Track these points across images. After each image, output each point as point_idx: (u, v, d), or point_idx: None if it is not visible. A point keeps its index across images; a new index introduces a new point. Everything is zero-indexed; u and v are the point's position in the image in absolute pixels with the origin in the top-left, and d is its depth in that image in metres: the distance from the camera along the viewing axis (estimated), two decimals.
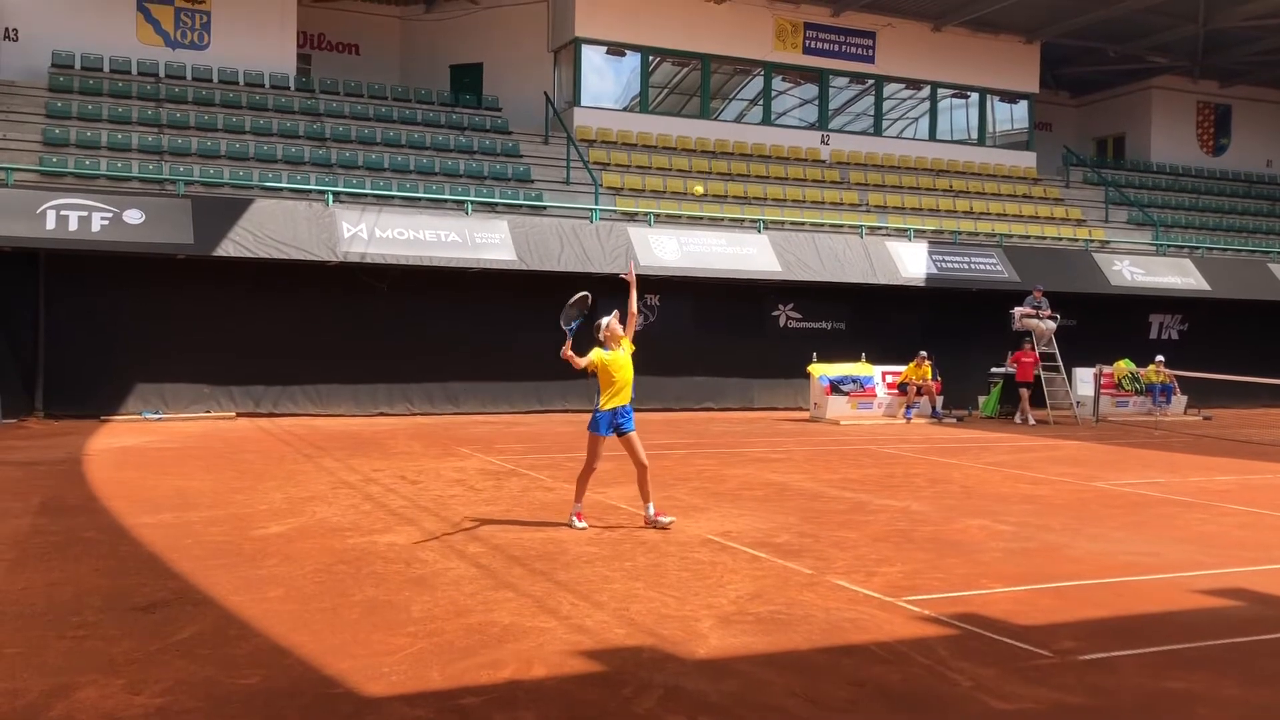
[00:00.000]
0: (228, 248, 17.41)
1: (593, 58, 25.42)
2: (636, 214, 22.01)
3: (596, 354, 9.36)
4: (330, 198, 18.95)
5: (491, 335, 19.89)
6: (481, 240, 19.24)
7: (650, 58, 25.98)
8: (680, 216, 22.40)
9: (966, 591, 6.96)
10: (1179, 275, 25.13)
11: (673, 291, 21.16)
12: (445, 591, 6.73)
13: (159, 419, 17.50)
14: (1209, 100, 32.88)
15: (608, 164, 24.07)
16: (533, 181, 22.78)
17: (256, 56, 23.24)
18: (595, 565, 7.53)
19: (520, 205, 21.22)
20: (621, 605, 6.48)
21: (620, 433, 9.08)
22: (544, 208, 21.47)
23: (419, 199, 20.59)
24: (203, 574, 7.08)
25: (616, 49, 25.56)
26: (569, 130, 23.98)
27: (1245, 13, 26.70)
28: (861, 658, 5.58)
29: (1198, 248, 27.27)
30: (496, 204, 21.00)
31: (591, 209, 21.22)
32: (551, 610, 6.35)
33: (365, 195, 19.98)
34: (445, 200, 20.73)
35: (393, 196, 20.33)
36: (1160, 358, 22.89)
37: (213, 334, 18.10)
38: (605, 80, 25.88)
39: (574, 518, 8.96)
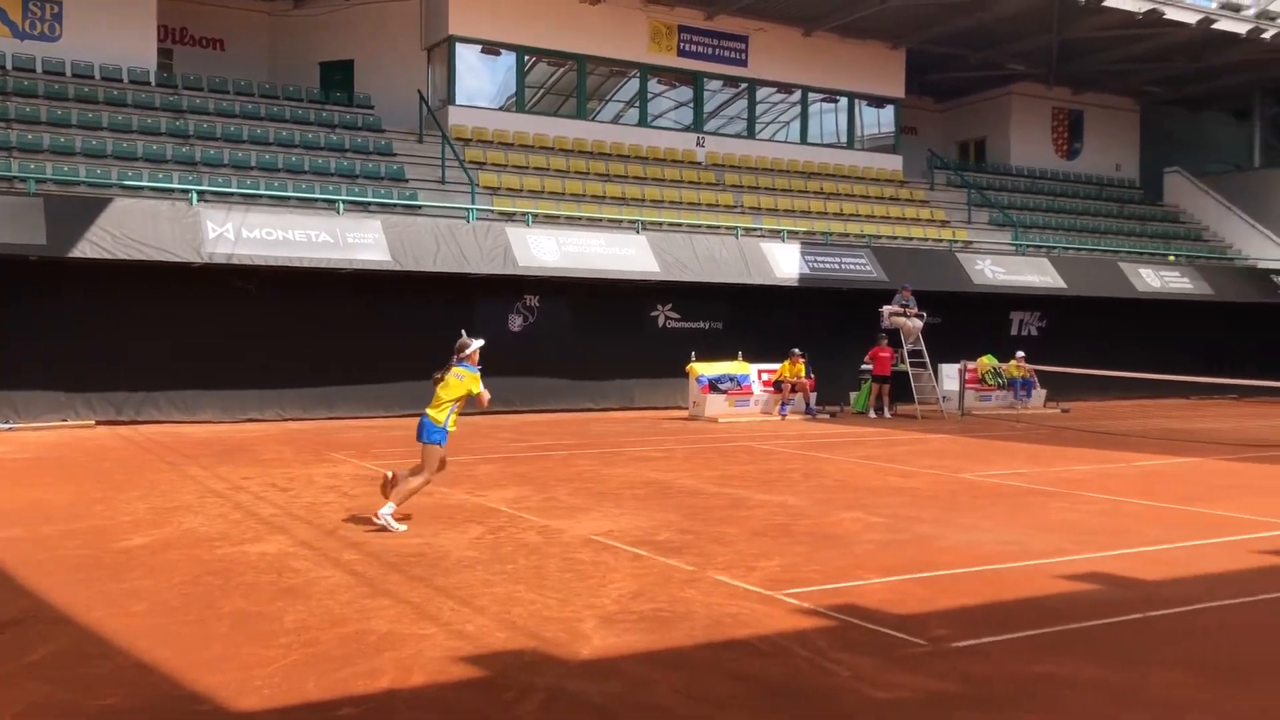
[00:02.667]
0: (84, 249, 16.62)
1: (467, 56, 25.12)
2: (514, 214, 21.85)
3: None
4: (194, 197, 18.28)
5: (366, 337, 19.48)
6: (354, 240, 18.82)
7: (526, 57, 25.80)
8: (559, 217, 22.33)
9: (844, 583, 7.10)
10: (1037, 274, 26.21)
11: (552, 292, 21.08)
12: (320, 601, 6.54)
13: (9, 429, 16.57)
14: (1063, 106, 34.36)
15: (484, 163, 23.83)
16: (407, 181, 22.39)
17: (113, 50, 22.23)
18: (475, 569, 7.42)
19: (394, 205, 20.84)
20: (503, 609, 6.40)
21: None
22: (419, 207, 21.14)
23: (288, 198, 20.02)
24: (59, 590, 6.72)
25: (491, 48, 25.30)
26: (444, 129, 23.65)
27: (1094, 24, 27.98)
28: (743, 652, 5.62)
29: (1054, 248, 28.48)
30: (369, 203, 20.58)
31: (468, 209, 20.99)
32: (431, 616, 6.23)
33: (231, 194, 19.33)
34: (316, 199, 20.21)
35: (260, 196, 19.71)
36: (1021, 353, 23.84)
37: (69, 339, 17.24)
38: (480, 79, 25.61)
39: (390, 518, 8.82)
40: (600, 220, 22.69)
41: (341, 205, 19.58)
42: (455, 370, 9.22)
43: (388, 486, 9.09)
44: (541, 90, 26.77)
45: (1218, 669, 5.45)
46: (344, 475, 12.10)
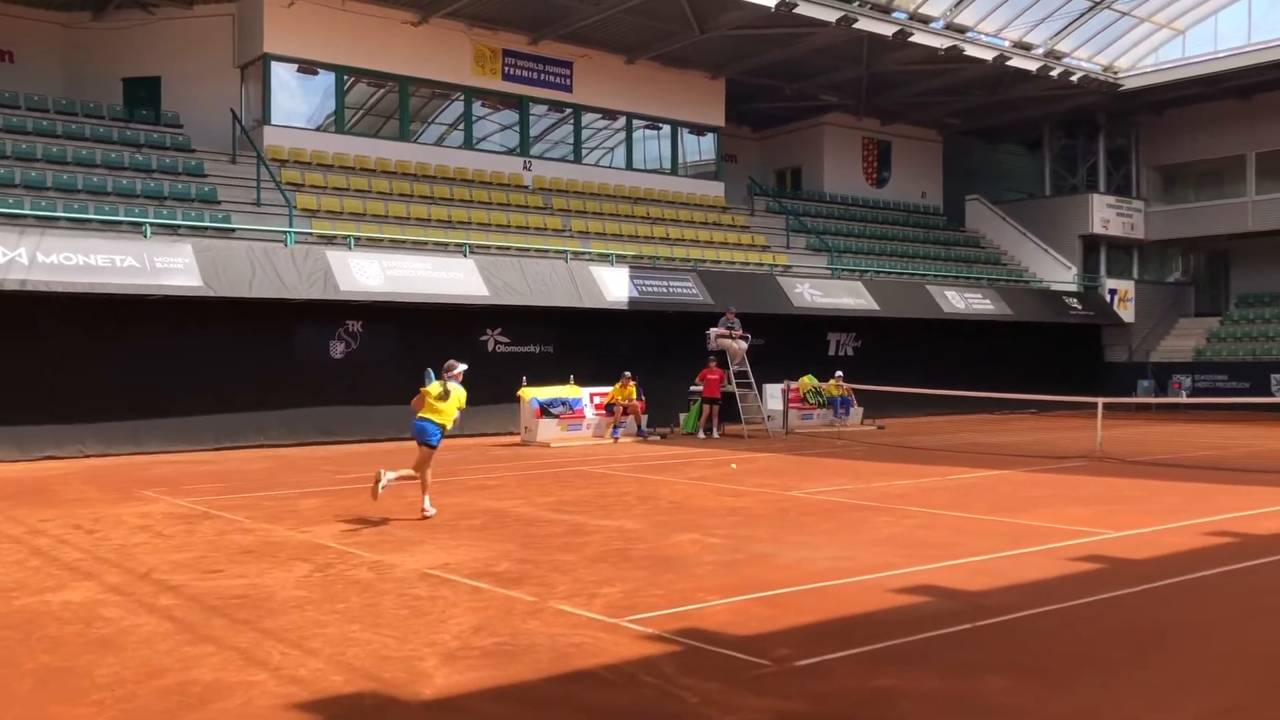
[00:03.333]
0: None
1: (283, 75, 24.29)
2: (335, 237, 21.21)
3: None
4: None
5: (177, 367, 18.50)
6: (162, 265, 17.87)
7: (345, 77, 25.16)
8: (382, 240, 21.80)
9: (685, 606, 7.11)
10: (852, 297, 27.29)
11: (376, 317, 20.55)
12: (135, 651, 6.10)
13: None
14: (872, 137, 35.97)
15: (302, 185, 23.05)
16: (219, 203, 21.42)
17: None
18: (305, 610, 7.08)
19: (206, 228, 19.90)
20: (337, 650, 6.12)
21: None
22: (233, 230, 20.26)
23: (89, 220, 18.81)
24: None
25: (309, 67, 24.55)
26: (259, 149, 22.77)
27: (900, 58, 29.44)
28: (590, 683, 5.54)
29: (867, 271, 29.71)
30: (179, 226, 19.58)
31: (286, 231, 20.25)
32: (260, 662, 5.89)
33: (25, 216, 18.04)
34: (120, 222, 19.07)
35: (58, 218, 18.47)
36: (839, 373, 24.71)
37: None
38: (297, 99, 24.80)
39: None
40: (426, 243, 22.28)
41: (149, 228, 18.56)
42: (456, 386, 11.22)
43: (377, 488, 10.76)
44: (361, 111, 26.14)
45: (1043, 672, 5.71)
46: (156, 514, 11.38)
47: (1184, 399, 30.96)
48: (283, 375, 19.68)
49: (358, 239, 21.05)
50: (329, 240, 21.07)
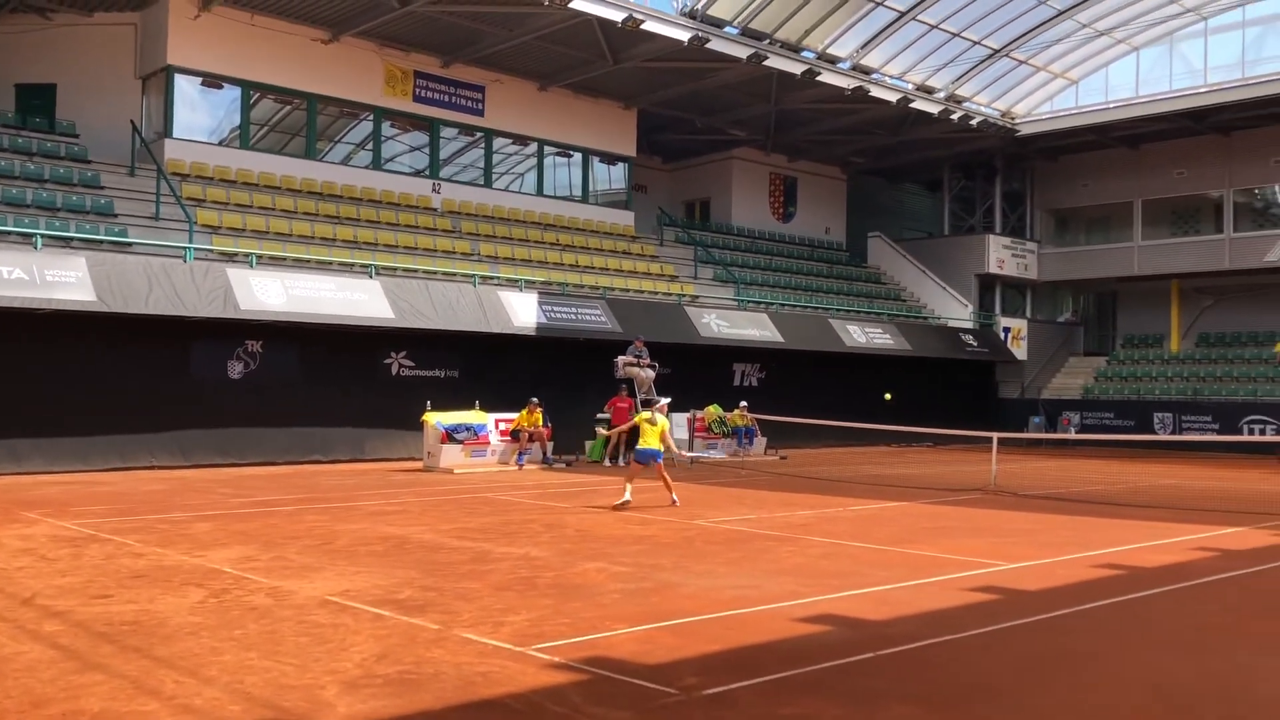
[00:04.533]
0: None
1: (186, 88, 23.74)
2: (236, 254, 20.75)
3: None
4: None
5: (66, 384, 17.84)
6: (54, 278, 17.24)
7: (251, 92, 24.69)
8: (285, 259, 21.39)
9: (592, 635, 7.08)
10: (757, 328, 27.67)
11: (277, 338, 20.14)
12: (18, 680, 5.82)
13: None
14: (779, 172, 36.66)
15: (203, 200, 22.51)
16: (116, 216, 20.79)
17: None
18: (200, 636, 6.86)
19: (101, 241, 19.29)
20: (235, 678, 5.93)
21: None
22: (129, 245, 19.67)
23: None
24: None
25: (213, 81, 24.04)
26: (159, 163, 22.19)
27: (807, 96, 30.11)
28: (496, 712, 5.48)
29: (772, 304, 30.16)
30: (72, 238, 18.94)
31: (185, 247, 19.73)
32: (152, 691, 5.68)
33: None
34: (9, 232, 18.37)
35: None
36: (744, 403, 24.99)
37: None
38: (200, 112, 24.25)
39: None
40: (331, 264, 21.95)
41: (39, 239, 17.91)
42: (660, 420, 14.76)
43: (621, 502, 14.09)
44: (267, 127, 25.68)
45: (942, 700, 5.82)
46: (39, 537, 10.92)
47: (1073, 435, 32.04)
48: (178, 395, 19.13)
49: (260, 257, 20.62)
50: (230, 258, 20.60)
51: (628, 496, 14.26)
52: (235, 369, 19.92)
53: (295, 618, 7.45)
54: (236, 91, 24.42)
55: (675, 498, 14.50)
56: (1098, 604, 8.35)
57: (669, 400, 15.57)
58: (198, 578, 8.83)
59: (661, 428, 14.71)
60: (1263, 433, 29.49)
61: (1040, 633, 7.43)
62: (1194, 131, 33.30)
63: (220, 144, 24.32)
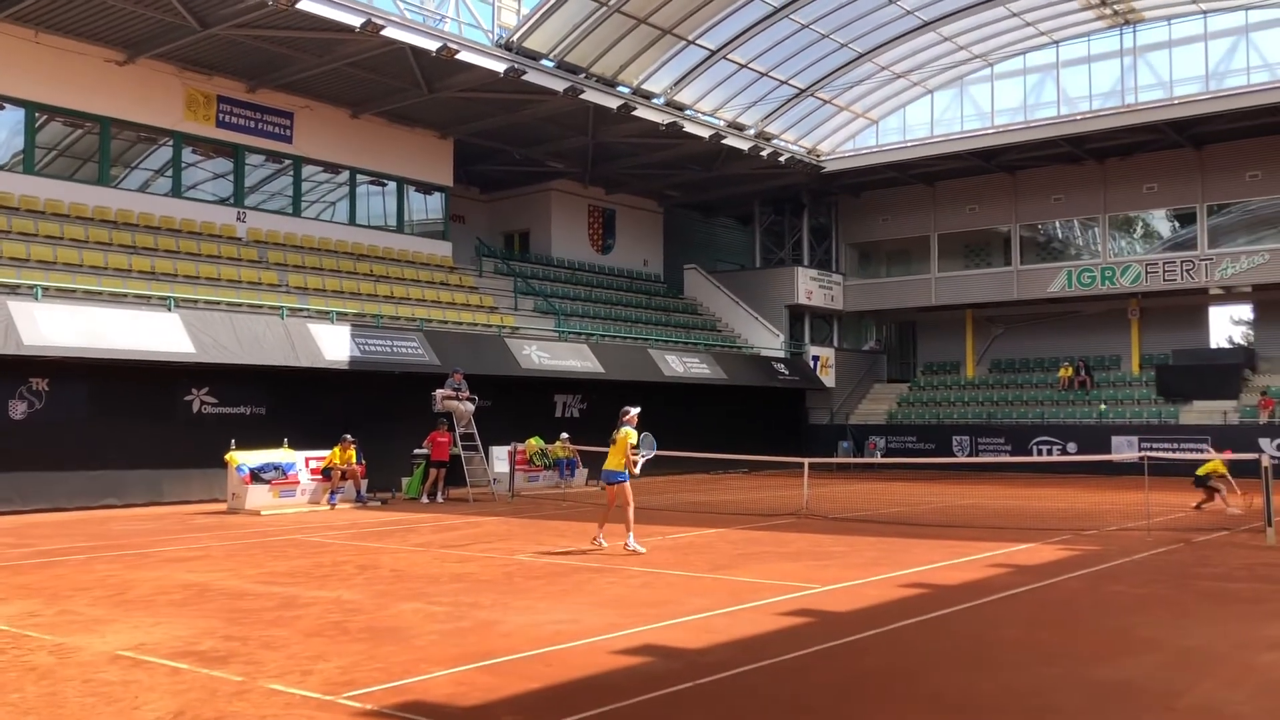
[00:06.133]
0: None
1: None
2: (19, 286, 19.33)
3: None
4: None
5: None
6: None
7: (37, 114, 23.15)
8: (75, 291, 20.07)
9: (407, 679, 6.85)
10: (578, 359, 27.74)
11: (66, 375, 18.85)
12: None
13: None
14: (598, 204, 37.02)
15: None
16: None
17: None
18: None
19: None
20: None
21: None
22: None
23: None
24: None
25: None
26: None
27: (624, 130, 30.55)
28: None
29: (592, 334, 30.32)
30: None
31: None
32: None
33: None
34: None
35: None
36: (565, 434, 24.96)
37: None
38: None
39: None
40: (125, 296, 20.73)
41: None
42: (624, 429, 13.52)
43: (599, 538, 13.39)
44: (55, 151, 24.12)
45: None
46: None
47: (879, 459, 33.44)
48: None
49: (46, 289, 19.28)
50: (12, 289, 19.18)
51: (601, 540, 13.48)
52: (18, 409, 18.51)
53: (81, 676, 6.91)
54: (20, 113, 22.85)
55: (602, 540, 13.44)
56: (905, 623, 8.67)
57: (638, 410, 14.03)
58: None
59: (622, 440, 13.47)
60: (1051, 453, 31.54)
61: (852, 653, 7.65)
62: (984, 170, 35.52)
63: (2, 168, 22.67)
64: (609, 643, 7.89)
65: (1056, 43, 32.84)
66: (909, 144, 35.10)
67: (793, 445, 32.13)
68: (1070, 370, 35.07)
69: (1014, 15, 30.94)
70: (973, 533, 15.42)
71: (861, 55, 31.72)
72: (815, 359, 37.35)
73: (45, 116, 23.39)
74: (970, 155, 34.09)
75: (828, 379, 37.42)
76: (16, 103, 22.69)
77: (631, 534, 13.24)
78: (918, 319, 40.53)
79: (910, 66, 33.29)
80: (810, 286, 38.02)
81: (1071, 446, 31.43)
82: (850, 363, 39.29)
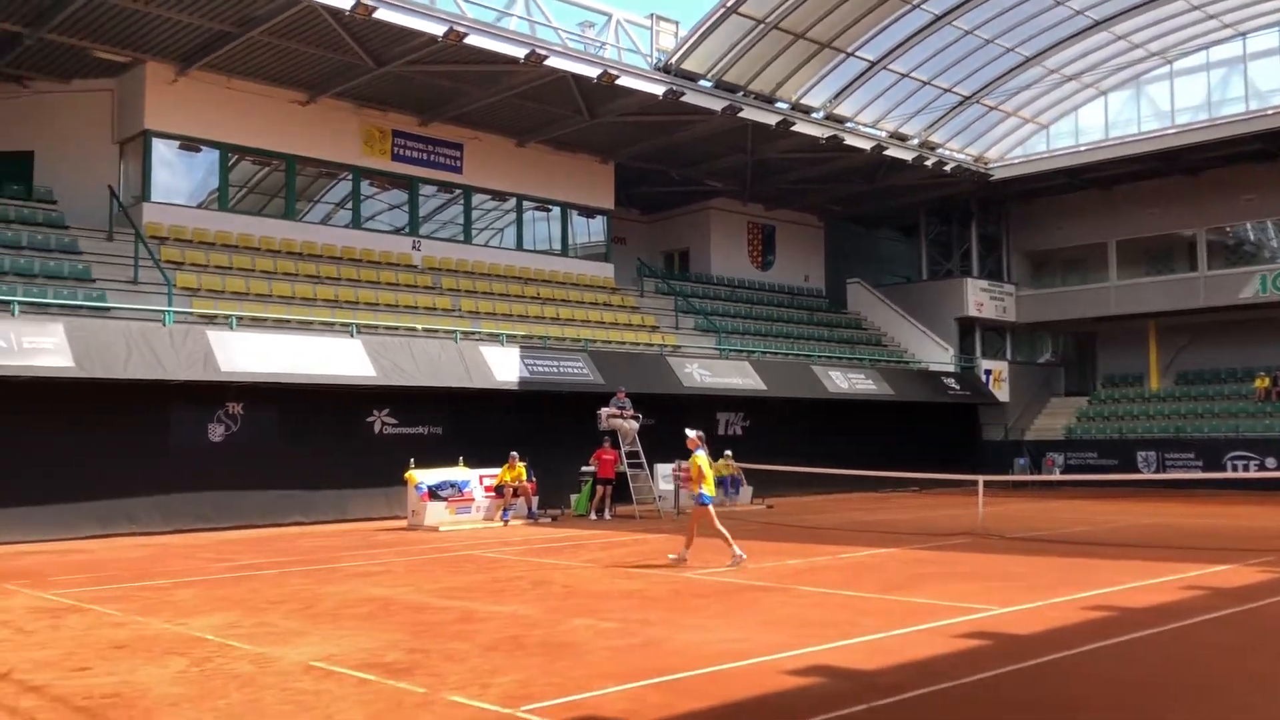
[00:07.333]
0: None
1: (164, 152, 23.80)
2: (216, 317, 20.67)
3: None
4: None
5: (44, 451, 17.63)
6: (31, 345, 17.11)
7: (230, 155, 24.77)
8: (266, 320, 21.33)
9: (581, 694, 6.98)
10: (740, 377, 27.69)
11: (258, 399, 20.00)
12: None
13: None
14: (757, 221, 36.94)
15: (182, 263, 22.48)
16: (94, 280, 20.73)
17: None
18: (182, 708, 6.72)
19: (79, 306, 19.20)
20: None
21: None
22: (108, 309, 19.57)
23: None
24: None
25: (191, 144, 24.13)
26: (137, 227, 22.19)
27: (783, 146, 30.43)
28: None
29: (754, 351, 30.23)
30: (50, 305, 18.83)
31: (164, 311, 19.66)
32: None
33: None
34: None
35: None
36: (729, 452, 24.92)
37: None
38: (178, 176, 24.30)
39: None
40: (312, 323, 21.88)
41: (17, 306, 17.79)
42: (699, 455, 14.13)
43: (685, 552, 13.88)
44: (245, 189, 25.75)
45: None
46: (17, 609, 10.73)
47: (1057, 476, 32.08)
48: (159, 459, 18.93)
49: (240, 319, 20.55)
50: (210, 320, 20.53)
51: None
52: (216, 432, 19.76)
53: (279, 685, 7.32)
54: (214, 154, 24.51)
55: (683, 553, 13.99)
56: (1092, 647, 8.30)
57: (698, 432, 14.67)
58: (180, 646, 8.67)
59: (694, 466, 14.08)
60: (1246, 469, 29.60)
61: (1034, 678, 7.37)
62: (1164, 172, 33.79)
63: (199, 206, 24.35)
64: (780, 662, 7.83)
65: (1243, 35, 30.95)
66: (1082, 148, 33.69)
67: (965, 462, 31.17)
68: (1267, 381, 32.83)
69: (1195, 8, 29.36)
70: (1163, 553, 14.62)
71: (1029, 59, 30.70)
72: (987, 373, 36.18)
73: (237, 156, 25.01)
74: (1149, 157, 32.48)
75: (1001, 393, 36.18)
76: (212, 145, 24.33)
77: (686, 548, 14.10)
78: (1097, 329, 38.75)
79: (1082, 68, 31.99)
80: (980, 298, 36.91)
81: (1270, 462, 29.40)
82: (1025, 376, 37.89)
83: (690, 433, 14.53)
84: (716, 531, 13.67)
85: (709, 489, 13.96)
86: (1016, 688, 7.13)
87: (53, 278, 20.22)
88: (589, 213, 31.58)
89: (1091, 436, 34.48)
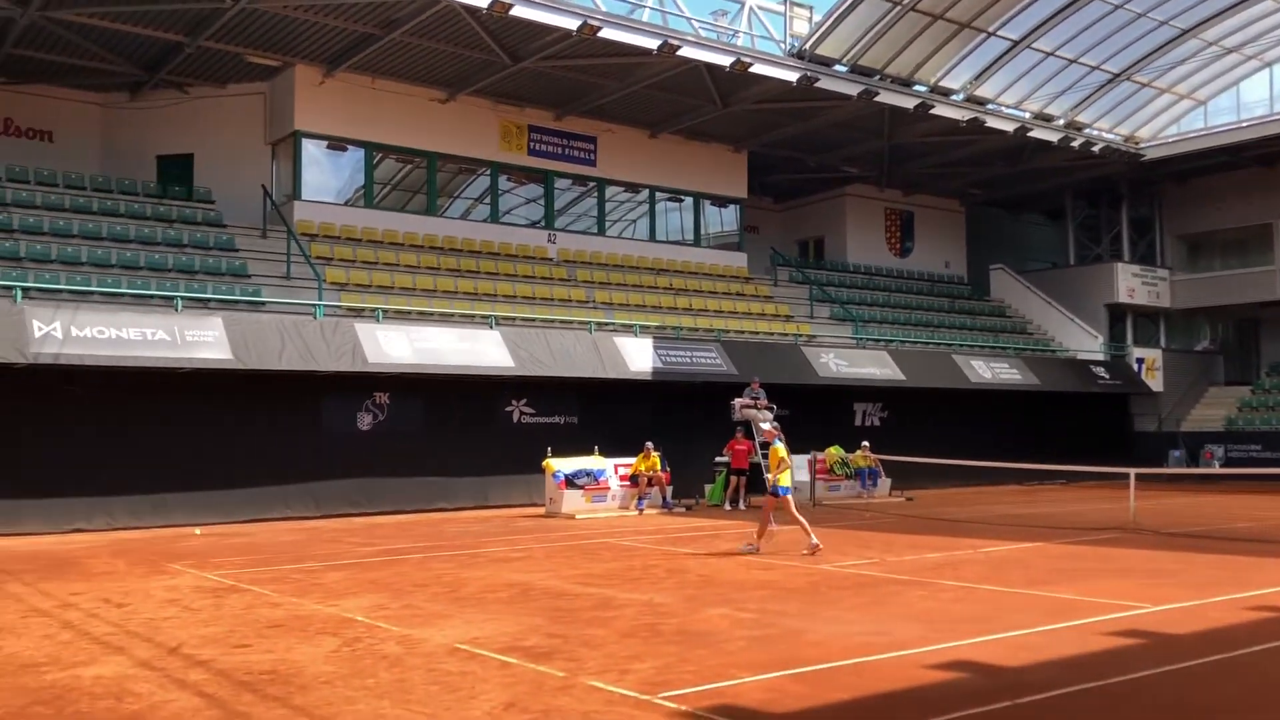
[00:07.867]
0: None
1: (313, 151, 24.78)
2: (363, 310, 21.42)
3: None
4: (19, 294, 17.26)
5: (205, 439, 18.60)
6: (193, 338, 18.05)
7: (374, 153, 25.63)
8: (410, 313, 22.00)
9: (719, 683, 6.99)
10: (878, 366, 27.20)
11: (403, 389, 20.66)
12: None
13: None
14: (895, 207, 36.19)
15: (331, 259, 23.38)
16: (250, 276, 21.74)
17: None
18: (335, 685, 7.01)
19: (236, 301, 20.17)
20: None
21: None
22: (263, 304, 20.50)
23: (122, 294, 19.12)
24: None
25: (338, 143, 25.05)
26: (289, 224, 23.16)
27: (922, 130, 29.72)
28: None
29: (892, 340, 29.66)
30: (210, 300, 19.85)
31: (315, 305, 20.48)
32: None
33: (60, 291, 18.34)
34: (152, 296, 19.38)
35: (92, 292, 18.78)
36: (865, 443, 24.53)
37: None
38: (326, 174, 25.26)
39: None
40: (452, 316, 22.47)
41: (180, 302, 18.81)
42: (777, 445, 14.33)
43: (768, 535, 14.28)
44: (389, 186, 26.59)
45: None
46: (184, 588, 11.37)
47: (1217, 469, 30.52)
48: (310, 447, 19.76)
49: (385, 311, 21.25)
50: (357, 313, 21.28)
51: (772, 527, 14.39)
52: (364, 421, 20.49)
53: (425, 666, 7.56)
54: (360, 153, 25.40)
55: (756, 544, 14.19)
56: (1253, 650, 7.90)
57: (775, 424, 15.26)
58: (331, 626, 9.04)
59: (774, 457, 14.34)
60: None
61: (1190, 681, 7.05)
62: None
63: (346, 204, 25.27)
64: (921, 656, 7.69)
65: None
66: (1245, 124, 31.83)
67: (1116, 455, 29.84)
68: None
69: None
70: None
71: (1184, 32, 29.15)
72: (1139, 361, 34.63)
73: (381, 154, 25.86)
74: None
75: (1154, 383, 34.60)
76: (357, 144, 25.21)
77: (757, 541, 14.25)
78: (1260, 315, 36.60)
79: (1244, 39, 30.21)
80: (1132, 283, 35.34)
81: None
82: (1181, 365, 36.12)
83: (765, 425, 14.69)
84: (795, 520, 14.01)
85: (784, 481, 14.06)
86: (1170, 690, 6.83)
87: (212, 274, 21.28)
88: (721, 202, 31.49)
89: (1255, 428, 32.64)
